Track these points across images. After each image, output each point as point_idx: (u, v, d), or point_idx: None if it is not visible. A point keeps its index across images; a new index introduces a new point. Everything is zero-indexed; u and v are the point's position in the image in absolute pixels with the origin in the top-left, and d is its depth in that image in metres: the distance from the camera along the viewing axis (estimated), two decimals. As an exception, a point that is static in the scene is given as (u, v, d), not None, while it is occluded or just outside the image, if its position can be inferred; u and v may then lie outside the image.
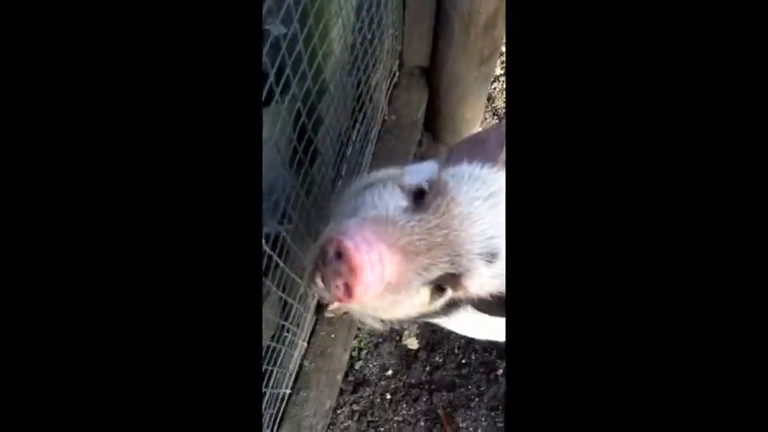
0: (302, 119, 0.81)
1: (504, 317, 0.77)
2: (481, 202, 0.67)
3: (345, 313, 1.35)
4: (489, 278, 0.68)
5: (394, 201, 0.68)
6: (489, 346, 1.65)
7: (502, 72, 1.91)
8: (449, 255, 0.65)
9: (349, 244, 0.59)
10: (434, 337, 1.65)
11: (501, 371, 1.64)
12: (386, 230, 0.63)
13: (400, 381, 1.61)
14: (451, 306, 0.75)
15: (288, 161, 0.87)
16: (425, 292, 0.69)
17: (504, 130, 0.75)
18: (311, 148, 0.88)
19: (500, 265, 0.67)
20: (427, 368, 1.63)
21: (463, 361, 1.65)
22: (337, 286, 0.61)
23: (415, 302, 0.70)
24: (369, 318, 0.85)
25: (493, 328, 1.17)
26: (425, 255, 0.64)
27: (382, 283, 0.62)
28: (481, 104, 1.60)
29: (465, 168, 0.70)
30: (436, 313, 0.78)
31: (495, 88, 1.89)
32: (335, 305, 1.20)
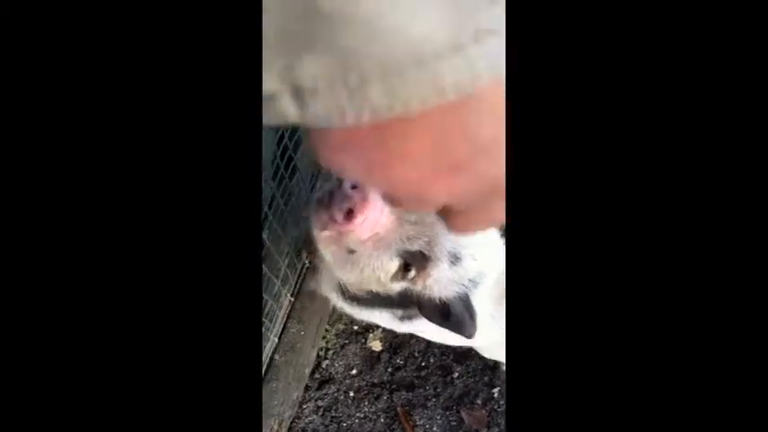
0: (284, 140, 0.95)
1: (440, 326, 0.86)
2: None
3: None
4: (447, 279, 0.79)
5: None
6: (447, 350, 1.78)
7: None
8: (429, 237, 0.76)
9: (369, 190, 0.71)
10: (397, 341, 1.78)
11: (456, 374, 1.77)
12: None
13: (363, 380, 1.73)
14: (403, 299, 0.85)
15: (271, 175, 1.00)
16: (395, 265, 0.79)
17: None
18: (291, 165, 1.02)
19: (460, 271, 0.79)
20: (389, 369, 1.76)
21: (422, 363, 1.78)
22: (340, 209, 0.72)
23: (383, 269, 0.79)
24: (332, 282, 0.94)
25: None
26: (413, 226, 0.75)
27: (375, 227, 0.74)
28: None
29: None
30: (389, 301, 0.86)
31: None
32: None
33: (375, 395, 1.72)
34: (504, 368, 1.76)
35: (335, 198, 0.74)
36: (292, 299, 1.42)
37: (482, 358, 1.77)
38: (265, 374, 1.34)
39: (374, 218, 0.73)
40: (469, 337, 0.83)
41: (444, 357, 1.79)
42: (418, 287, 0.81)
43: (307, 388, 1.64)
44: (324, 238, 0.83)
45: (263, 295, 1.15)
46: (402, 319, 0.97)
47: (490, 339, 1.22)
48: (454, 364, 1.78)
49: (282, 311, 1.37)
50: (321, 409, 1.67)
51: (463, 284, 0.81)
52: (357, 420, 1.69)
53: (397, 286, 0.82)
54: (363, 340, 1.76)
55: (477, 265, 0.81)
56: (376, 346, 1.76)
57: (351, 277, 0.85)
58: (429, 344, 1.77)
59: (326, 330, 1.71)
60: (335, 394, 1.70)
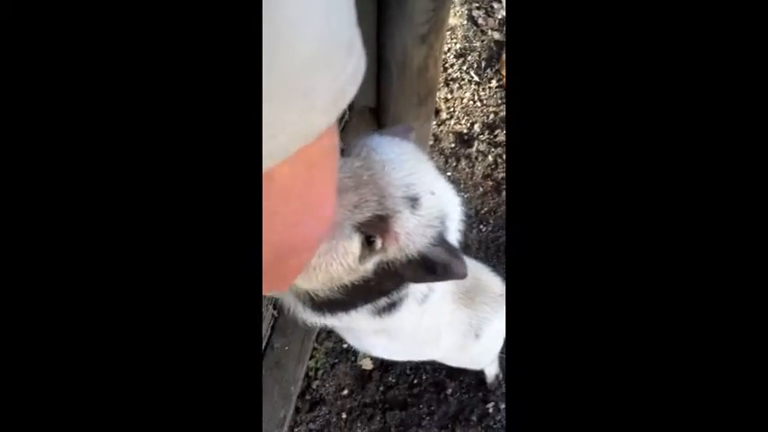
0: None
1: (433, 281, 0.76)
2: (396, 155, 0.69)
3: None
4: (415, 226, 0.69)
5: None
6: (439, 366, 1.75)
7: (447, 117, 2.12)
8: (375, 195, 0.66)
9: None
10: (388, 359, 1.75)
11: (450, 390, 1.73)
12: None
13: (355, 400, 1.69)
14: (381, 278, 0.74)
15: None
16: (356, 240, 0.69)
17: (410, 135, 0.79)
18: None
19: (423, 212, 0.69)
20: (381, 388, 1.72)
21: (415, 381, 1.75)
22: None
23: (348, 254, 0.70)
24: (296, 295, 0.83)
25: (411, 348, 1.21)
26: (354, 192, 0.66)
27: None
28: (425, 142, 1.79)
29: (376, 137, 0.73)
30: (368, 290, 0.76)
31: (441, 131, 2.08)
32: None
33: (368, 416, 1.68)
34: (489, 381, 1.72)
35: None
36: (275, 312, 1.40)
37: (476, 373, 1.74)
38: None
39: None
40: (464, 276, 0.72)
41: (437, 374, 1.75)
42: (392, 253, 0.71)
43: (297, 410, 1.60)
44: None
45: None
46: (383, 311, 0.87)
47: (450, 343, 1.18)
48: (447, 380, 1.75)
49: (265, 325, 1.36)
50: (313, 432, 1.62)
51: (433, 225, 0.70)
52: (350, 443, 1.64)
53: (371, 265, 0.72)
54: (353, 358, 1.73)
55: (438, 198, 0.71)
56: (366, 364, 1.73)
57: (319, 280, 0.75)
58: (421, 360, 1.74)
59: (315, 349, 1.68)
60: (327, 416, 1.65)
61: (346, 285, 0.75)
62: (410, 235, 0.69)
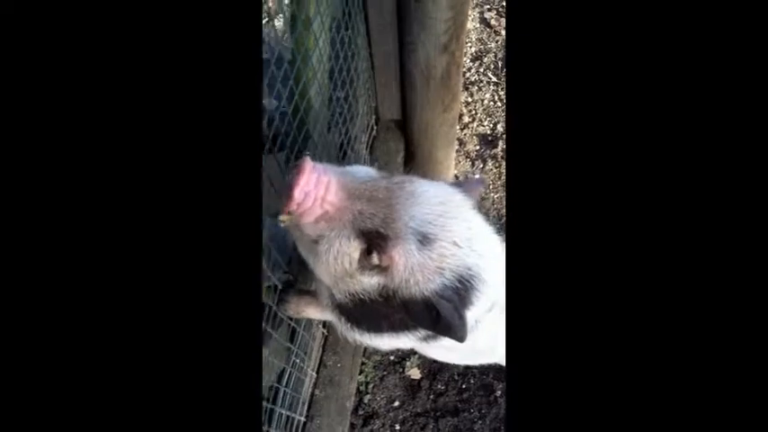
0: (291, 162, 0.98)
1: (430, 329, 0.73)
2: (430, 197, 0.71)
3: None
4: (419, 263, 0.68)
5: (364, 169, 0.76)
6: (487, 369, 1.75)
7: (469, 120, 2.13)
8: (384, 213, 0.68)
9: (307, 165, 0.67)
10: (435, 366, 1.75)
11: (499, 392, 1.73)
12: (342, 172, 0.71)
13: (407, 410, 1.70)
14: (387, 300, 0.73)
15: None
16: (355, 245, 0.70)
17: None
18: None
19: (434, 255, 0.68)
20: (431, 396, 1.73)
21: (463, 386, 1.75)
22: (285, 191, 0.69)
23: (345, 254, 0.71)
24: (324, 300, 0.83)
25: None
26: (366, 201, 0.69)
27: (321, 204, 0.68)
28: (451, 147, 1.80)
29: (430, 180, 0.75)
30: (378, 309, 0.75)
31: (465, 134, 2.09)
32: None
33: (420, 425, 1.68)
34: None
35: (284, 186, 0.69)
36: (325, 331, 1.42)
37: (524, 372, 1.73)
38: (308, 411, 1.33)
39: (316, 193, 0.67)
40: (460, 340, 0.70)
41: (484, 377, 1.75)
42: (396, 282, 0.70)
43: (352, 426, 1.62)
44: (286, 227, 0.74)
45: (296, 326, 1.16)
46: (428, 338, 0.86)
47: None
48: (495, 382, 1.74)
49: (317, 344, 1.37)
50: (369, 447, 1.63)
51: (444, 275, 0.69)
52: (407, 453, 1.65)
53: (371, 280, 0.72)
54: (401, 369, 1.74)
55: (463, 253, 0.69)
56: (414, 374, 1.74)
57: (323, 272, 0.75)
58: (468, 365, 1.74)
59: (363, 363, 1.69)
60: (381, 429, 1.66)
61: (354, 295, 0.75)
62: (412, 269, 0.68)
